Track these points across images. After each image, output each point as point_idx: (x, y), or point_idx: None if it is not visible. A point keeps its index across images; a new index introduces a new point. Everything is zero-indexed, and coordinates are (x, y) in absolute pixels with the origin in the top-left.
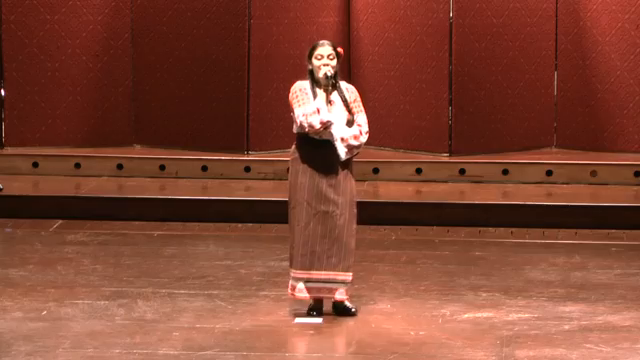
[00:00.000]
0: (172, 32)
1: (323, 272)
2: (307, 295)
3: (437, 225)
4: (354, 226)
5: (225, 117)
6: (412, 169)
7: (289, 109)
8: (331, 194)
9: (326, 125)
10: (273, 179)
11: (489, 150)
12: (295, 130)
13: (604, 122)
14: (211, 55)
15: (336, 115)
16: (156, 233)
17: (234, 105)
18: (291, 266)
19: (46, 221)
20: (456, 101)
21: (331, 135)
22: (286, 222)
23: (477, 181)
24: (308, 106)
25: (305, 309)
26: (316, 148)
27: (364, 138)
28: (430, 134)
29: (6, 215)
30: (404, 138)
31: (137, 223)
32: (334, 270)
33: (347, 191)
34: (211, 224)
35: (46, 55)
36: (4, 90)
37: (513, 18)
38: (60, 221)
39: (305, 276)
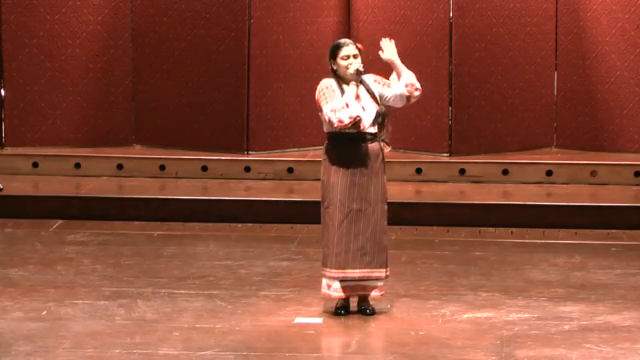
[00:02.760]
0: (172, 32)
1: (358, 270)
2: (342, 294)
3: (437, 225)
4: (385, 222)
5: (225, 117)
6: (412, 169)
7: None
8: (363, 192)
9: (355, 120)
10: (273, 179)
11: (489, 150)
12: (325, 129)
13: (604, 122)
14: (211, 55)
15: (365, 109)
16: (156, 233)
17: (234, 105)
18: (325, 265)
19: (46, 221)
20: (456, 101)
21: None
22: (286, 222)
23: (477, 181)
24: (336, 102)
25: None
26: (347, 146)
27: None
28: (430, 134)
29: (6, 215)
30: (404, 138)
31: (137, 223)
32: (368, 268)
33: (379, 188)
34: (211, 224)
35: (46, 55)
36: (4, 90)
37: (513, 18)
38: (60, 221)
39: (341, 275)
